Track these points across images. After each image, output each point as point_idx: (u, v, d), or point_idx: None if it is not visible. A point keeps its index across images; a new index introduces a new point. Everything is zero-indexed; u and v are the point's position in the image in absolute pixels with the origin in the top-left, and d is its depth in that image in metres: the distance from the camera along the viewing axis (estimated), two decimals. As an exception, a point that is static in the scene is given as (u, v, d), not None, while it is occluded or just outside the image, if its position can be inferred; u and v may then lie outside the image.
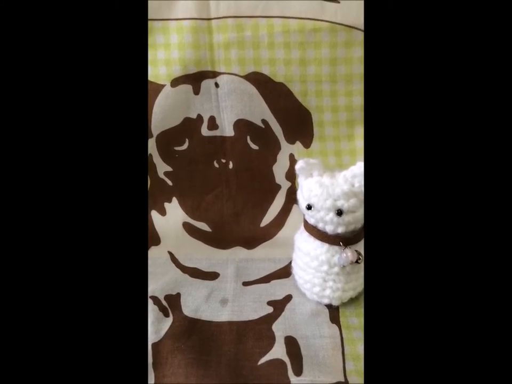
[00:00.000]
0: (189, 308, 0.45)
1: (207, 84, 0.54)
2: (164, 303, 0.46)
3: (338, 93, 0.52)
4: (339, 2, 0.48)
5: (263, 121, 0.55)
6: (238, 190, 0.58)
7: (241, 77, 0.53)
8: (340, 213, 0.39)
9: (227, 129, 0.56)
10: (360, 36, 0.49)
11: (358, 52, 0.50)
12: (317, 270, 0.43)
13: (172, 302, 0.46)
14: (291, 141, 0.56)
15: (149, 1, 0.47)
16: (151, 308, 0.44)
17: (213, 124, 0.56)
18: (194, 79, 0.53)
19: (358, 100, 0.52)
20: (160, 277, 0.50)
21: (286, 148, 0.57)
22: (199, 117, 0.56)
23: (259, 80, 0.53)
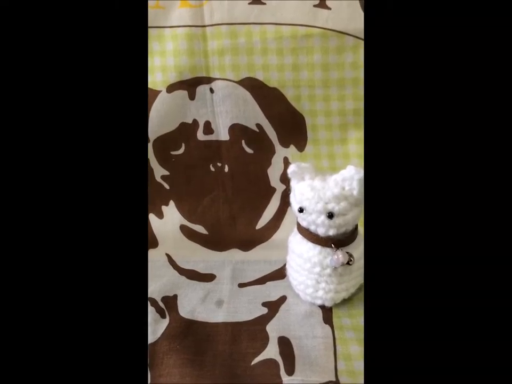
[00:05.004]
0: (185, 309, 0.46)
1: (202, 89, 0.55)
2: (161, 304, 0.47)
3: (331, 97, 0.53)
4: (330, 8, 0.49)
5: (258, 125, 0.56)
6: (234, 193, 0.59)
7: (235, 82, 0.54)
8: (330, 215, 0.40)
9: (222, 134, 0.57)
10: (351, 42, 0.50)
11: (350, 57, 0.51)
12: (309, 271, 0.44)
13: (169, 304, 0.47)
14: (285, 144, 0.57)
15: (144, 10, 0.48)
16: (148, 310, 0.45)
17: (208, 129, 0.57)
18: (189, 85, 0.54)
19: (351, 104, 0.53)
20: (158, 279, 0.51)
21: (281, 152, 0.57)
22: (195, 122, 0.56)
23: (253, 86, 0.54)
